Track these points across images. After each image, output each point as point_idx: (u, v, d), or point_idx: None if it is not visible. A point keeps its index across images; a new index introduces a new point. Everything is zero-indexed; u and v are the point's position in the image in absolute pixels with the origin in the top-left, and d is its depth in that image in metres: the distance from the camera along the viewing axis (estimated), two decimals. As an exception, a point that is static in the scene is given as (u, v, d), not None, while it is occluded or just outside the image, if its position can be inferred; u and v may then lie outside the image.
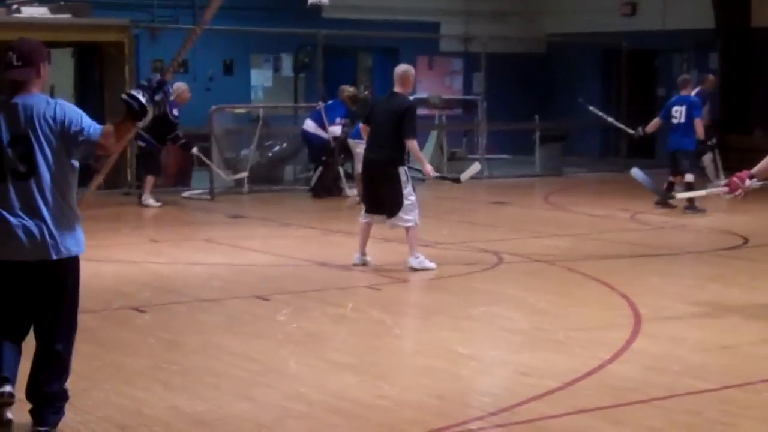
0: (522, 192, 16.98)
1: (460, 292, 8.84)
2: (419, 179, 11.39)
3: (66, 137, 4.92)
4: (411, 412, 5.52)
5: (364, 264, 9.74)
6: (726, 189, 7.65)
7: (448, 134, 19.68)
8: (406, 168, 9.60)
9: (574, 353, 6.69)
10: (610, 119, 16.78)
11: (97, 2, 17.38)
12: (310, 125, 15.95)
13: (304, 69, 20.54)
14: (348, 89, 16.09)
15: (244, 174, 16.00)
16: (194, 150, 15.06)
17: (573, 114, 20.12)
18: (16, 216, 4.91)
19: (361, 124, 10.33)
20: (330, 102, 16.12)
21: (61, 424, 5.12)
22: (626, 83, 20.78)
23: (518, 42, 22.15)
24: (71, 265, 5.04)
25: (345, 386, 5.95)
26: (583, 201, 15.44)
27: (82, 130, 4.91)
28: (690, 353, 6.75)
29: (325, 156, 15.77)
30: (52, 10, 15.78)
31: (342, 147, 15.56)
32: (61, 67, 17.04)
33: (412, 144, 9.55)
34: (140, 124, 5.05)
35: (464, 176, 10.46)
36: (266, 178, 16.77)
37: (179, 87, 14.69)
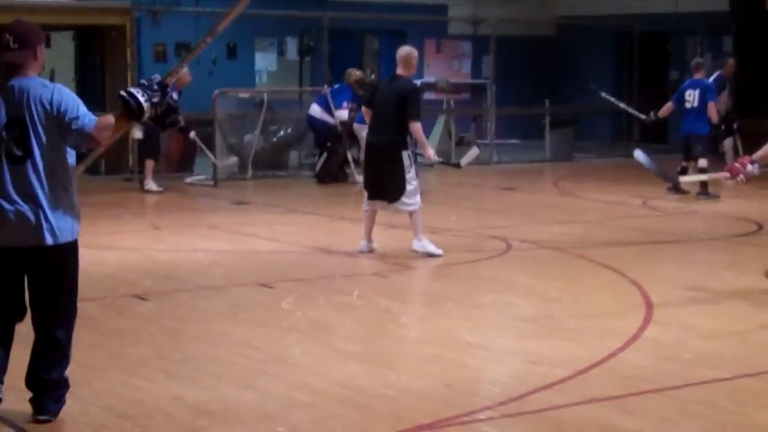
0: (531, 178, 16.85)
1: (468, 280, 8.75)
2: (427, 165, 11.28)
3: (60, 122, 4.86)
4: (418, 401, 5.43)
5: (371, 251, 9.63)
6: (728, 174, 7.59)
7: (456, 119, 19.51)
8: (409, 152, 9.48)
9: (584, 341, 6.61)
10: (622, 105, 16.59)
11: (98, -15, 17.30)
12: (316, 110, 15.82)
13: (309, 52, 20.38)
14: (355, 73, 15.95)
15: (234, 159, 15.82)
16: (192, 134, 14.91)
17: (584, 98, 19.95)
18: (11, 201, 4.87)
19: (363, 108, 10.19)
20: (336, 86, 15.98)
21: (61, 414, 5.08)
22: (638, 67, 20.61)
23: (528, 25, 21.96)
24: (69, 250, 5.00)
25: (351, 375, 5.87)
26: (593, 187, 15.31)
27: (77, 118, 4.84)
28: (702, 341, 6.66)
29: (330, 141, 15.65)
30: (53, -7, 15.74)
31: (349, 132, 15.43)
32: (61, 51, 16.90)
33: (416, 127, 9.39)
34: (135, 124, 5.00)
35: (463, 161, 10.37)
36: (271, 163, 16.63)
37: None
